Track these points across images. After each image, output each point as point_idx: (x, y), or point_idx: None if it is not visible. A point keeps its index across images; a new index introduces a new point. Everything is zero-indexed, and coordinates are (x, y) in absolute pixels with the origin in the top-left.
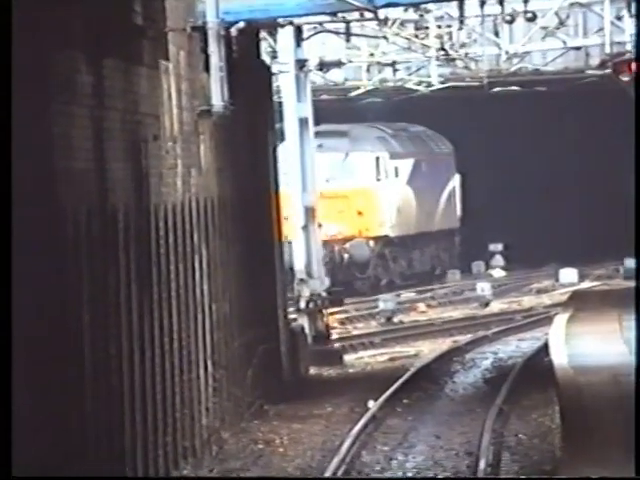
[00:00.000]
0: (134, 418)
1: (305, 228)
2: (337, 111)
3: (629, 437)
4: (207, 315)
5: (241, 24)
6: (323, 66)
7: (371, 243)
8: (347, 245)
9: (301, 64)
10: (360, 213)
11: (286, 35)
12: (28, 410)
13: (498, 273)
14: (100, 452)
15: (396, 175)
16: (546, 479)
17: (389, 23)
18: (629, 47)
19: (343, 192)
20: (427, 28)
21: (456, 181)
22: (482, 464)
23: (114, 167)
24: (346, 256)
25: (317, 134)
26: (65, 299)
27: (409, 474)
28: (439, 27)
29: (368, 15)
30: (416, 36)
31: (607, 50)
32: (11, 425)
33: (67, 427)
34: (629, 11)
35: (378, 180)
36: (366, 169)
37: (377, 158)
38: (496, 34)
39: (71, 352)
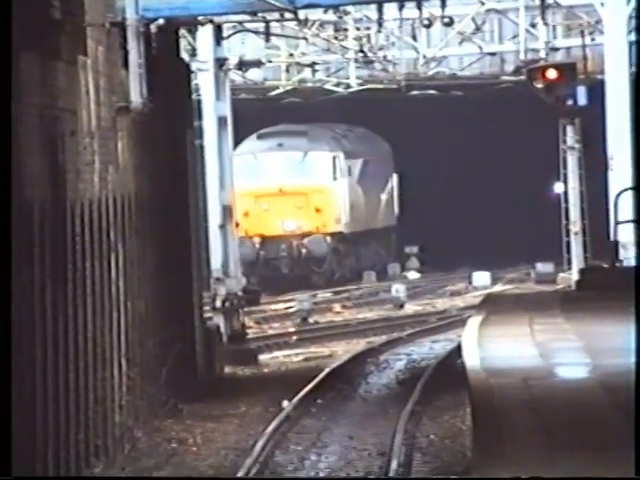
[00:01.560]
0: (46, 415)
1: (222, 227)
2: (256, 110)
3: (539, 440)
4: (122, 313)
5: (161, 21)
6: (242, 65)
7: (328, 239)
8: (305, 240)
9: (220, 63)
10: (318, 210)
11: (206, 33)
12: None
13: (413, 275)
14: (11, 448)
15: (349, 174)
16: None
17: (309, 24)
18: (543, 54)
19: (302, 189)
20: (346, 30)
21: (394, 180)
22: (394, 465)
23: (30, 162)
24: (304, 251)
25: (277, 133)
26: None
27: (321, 474)
28: (358, 29)
29: (288, 15)
30: (335, 38)
31: (522, 56)
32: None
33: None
34: (543, 19)
35: (335, 179)
36: (324, 168)
37: (334, 157)
38: (414, 38)
39: None
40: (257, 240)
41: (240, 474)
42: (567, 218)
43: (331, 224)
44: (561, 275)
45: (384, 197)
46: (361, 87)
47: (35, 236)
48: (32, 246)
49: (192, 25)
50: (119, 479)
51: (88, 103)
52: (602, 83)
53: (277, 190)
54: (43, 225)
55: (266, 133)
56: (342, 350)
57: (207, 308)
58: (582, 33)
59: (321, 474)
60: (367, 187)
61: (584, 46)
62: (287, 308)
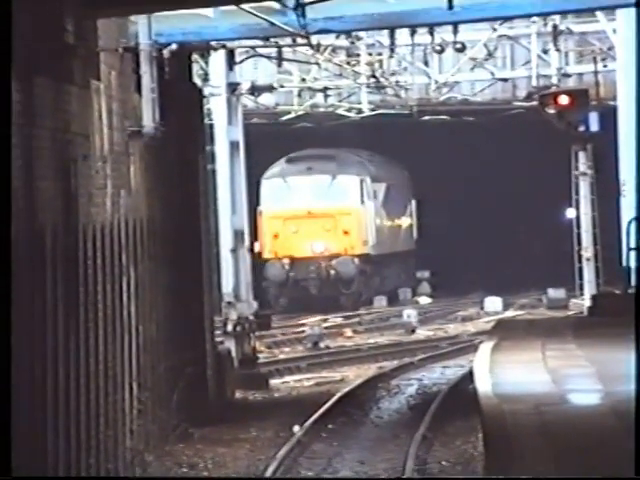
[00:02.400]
0: (58, 439)
1: (234, 251)
2: (268, 135)
3: (551, 466)
4: (134, 337)
5: (173, 46)
6: (255, 90)
7: (356, 260)
8: (334, 262)
9: (233, 87)
10: (346, 232)
11: (218, 58)
12: None
13: (424, 300)
14: (23, 471)
15: (375, 197)
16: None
17: (321, 49)
18: (555, 80)
19: (331, 212)
20: (358, 55)
21: (413, 205)
22: None
23: (43, 186)
24: (332, 272)
25: (305, 157)
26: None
27: None
28: (370, 55)
29: (301, 41)
30: (347, 63)
31: (534, 82)
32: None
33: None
34: (555, 45)
35: (362, 202)
36: (352, 191)
37: (361, 181)
38: (426, 63)
39: None
40: (286, 262)
41: None
42: (579, 244)
43: (359, 246)
44: (573, 301)
45: (404, 221)
46: (373, 112)
47: (47, 260)
48: (44, 270)
49: (205, 50)
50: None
51: (101, 127)
52: (614, 109)
53: (306, 212)
54: (55, 249)
55: (295, 157)
56: (353, 375)
57: (218, 332)
58: (594, 59)
59: None
60: (390, 211)
61: (596, 72)
62: (298, 332)
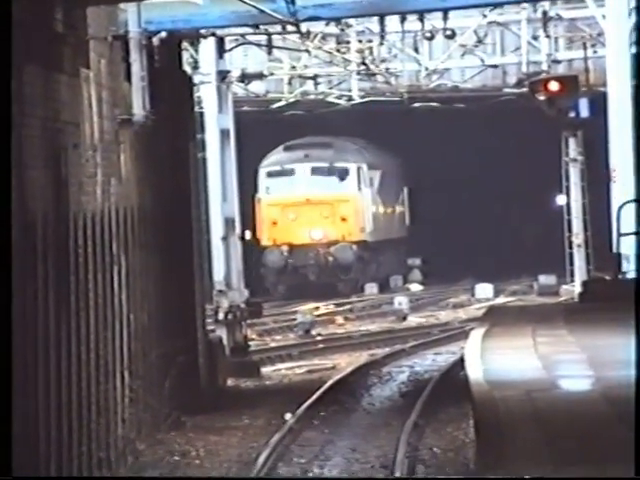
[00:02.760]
0: (49, 428)
1: (225, 239)
2: (259, 123)
3: (542, 452)
4: (125, 325)
5: (163, 34)
6: (245, 78)
7: (354, 247)
8: (332, 249)
9: (223, 75)
10: (344, 219)
11: (208, 46)
12: None
13: (415, 287)
14: (13, 461)
15: (371, 185)
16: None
17: (311, 36)
18: (545, 66)
19: (328, 199)
20: (348, 42)
21: (405, 192)
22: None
23: (33, 175)
24: (331, 259)
25: (303, 145)
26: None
27: None
28: (360, 42)
29: (290, 28)
30: (338, 50)
31: (524, 69)
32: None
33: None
34: (545, 31)
35: (359, 189)
36: (350, 178)
37: (358, 168)
38: (416, 50)
39: None
40: (285, 248)
41: None
42: (570, 230)
43: (356, 233)
44: (564, 287)
45: (398, 208)
46: (363, 99)
47: (38, 249)
48: (35, 259)
49: (194, 38)
50: (119, 479)
51: (91, 116)
52: (604, 95)
53: (304, 200)
54: (46, 238)
55: (293, 145)
56: (345, 362)
57: (210, 320)
58: (584, 45)
59: None
60: (384, 198)
61: (586, 58)
62: (290, 320)
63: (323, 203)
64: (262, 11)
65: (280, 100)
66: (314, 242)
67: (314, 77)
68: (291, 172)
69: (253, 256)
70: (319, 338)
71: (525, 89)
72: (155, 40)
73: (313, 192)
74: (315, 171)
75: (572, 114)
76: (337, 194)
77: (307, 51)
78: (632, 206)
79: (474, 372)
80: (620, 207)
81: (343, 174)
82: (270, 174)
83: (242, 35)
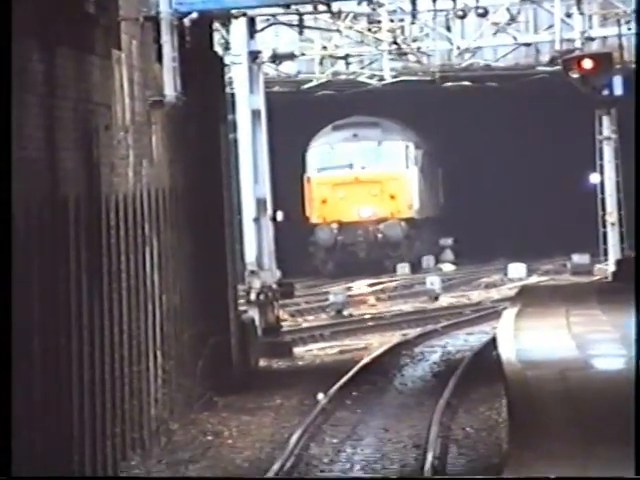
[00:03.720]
0: (83, 409)
1: (257, 220)
2: (290, 103)
3: (575, 432)
4: (157, 306)
5: (194, 15)
6: (276, 58)
7: (403, 224)
8: (381, 226)
9: (254, 56)
10: (392, 197)
11: (239, 27)
12: None
13: (447, 267)
14: (48, 442)
15: (416, 163)
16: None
17: (342, 16)
18: (578, 44)
19: (377, 177)
20: (380, 22)
21: (439, 171)
22: (429, 457)
23: (65, 156)
24: (380, 236)
25: (351, 124)
26: (14, 289)
27: (357, 466)
28: (392, 21)
29: (322, 8)
30: (369, 30)
31: (557, 47)
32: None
33: (15, 416)
34: (579, 8)
35: (407, 167)
36: (398, 156)
37: (407, 147)
38: (448, 29)
39: (20, 342)
40: (335, 226)
41: (276, 466)
42: (603, 209)
43: (405, 210)
44: (597, 266)
45: (435, 187)
46: (395, 79)
47: (70, 230)
48: (67, 240)
49: (226, 18)
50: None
51: (122, 97)
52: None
53: (353, 178)
54: (78, 219)
55: (341, 124)
56: (377, 342)
57: (242, 301)
58: (618, 22)
59: (356, 466)
60: (426, 177)
61: (620, 35)
62: (322, 301)
63: (372, 181)
64: None
65: (311, 80)
66: (363, 220)
67: (345, 57)
68: (340, 151)
69: (303, 234)
70: (351, 319)
71: (558, 67)
72: (186, 21)
73: (362, 171)
74: (363, 150)
75: (606, 92)
76: (386, 172)
77: (338, 31)
78: None
79: (507, 352)
80: None
81: (391, 152)
82: (319, 153)
83: (273, 15)
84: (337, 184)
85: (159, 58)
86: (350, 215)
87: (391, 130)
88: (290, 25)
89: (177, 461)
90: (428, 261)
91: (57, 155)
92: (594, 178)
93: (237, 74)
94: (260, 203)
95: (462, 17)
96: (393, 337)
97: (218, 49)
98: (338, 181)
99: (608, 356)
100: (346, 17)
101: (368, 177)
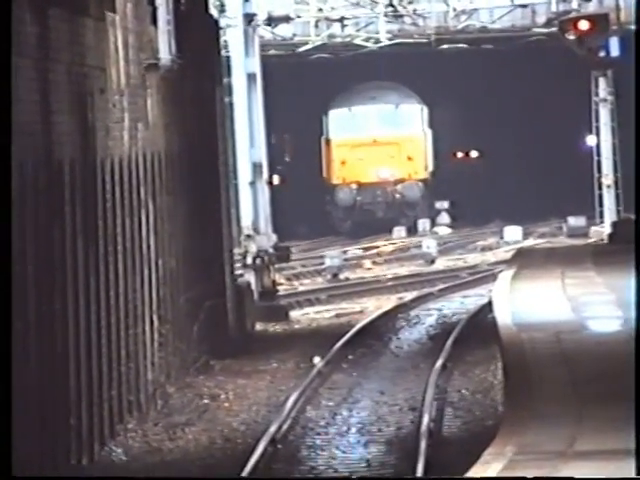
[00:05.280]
0: (79, 372)
1: (253, 184)
2: (286, 67)
3: (570, 393)
4: (153, 270)
5: None
6: (271, 21)
7: (420, 184)
8: (399, 186)
9: (249, 19)
10: (410, 158)
11: None
12: None
13: (444, 230)
14: (44, 403)
15: (429, 125)
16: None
17: None
18: (575, 5)
19: (395, 139)
20: None
21: (430, 134)
22: (425, 419)
23: (60, 120)
24: (398, 196)
25: (369, 88)
26: (9, 252)
27: (353, 429)
28: None
29: None
30: None
31: (553, 8)
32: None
33: (11, 377)
34: None
35: (423, 129)
36: (414, 119)
37: (422, 109)
38: None
39: (15, 305)
40: (354, 187)
41: (272, 429)
42: (599, 171)
43: (421, 171)
44: (593, 229)
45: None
46: (391, 42)
47: (66, 194)
48: (63, 204)
49: None
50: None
51: (117, 60)
52: (636, 33)
53: (371, 140)
54: (73, 183)
55: (359, 88)
56: (373, 306)
57: (238, 265)
58: None
59: (352, 429)
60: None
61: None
62: (318, 265)
63: (390, 143)
64: None
65: (307, 43)
66: (382, 180)
67: (341, 19)
68: (358, 114)
69: (319, 194)
70: (347, 282)
71: (555, 29)
72: None
73: (380, 133)
74: (381, 112)
75: (602, 53)
76: (403, 134)
77: None
78: None
79: (502, 315)
80: None
81: (408, 115)
82: (338, 116)
83: None
84: (356, 146)
85: (154, 21)
86: (369, 176)
87: (407, 93)
88: None
89: (173, 424)
90: (424, 224)
91: (51, 119)
92: (590, 140)
93: (232, 37)
94: (256, 167)
95: None
96: (389, 301)
97: (213, 12)
98: (357, 143)
99: (603, 318)
100: None
101: (386, 139)
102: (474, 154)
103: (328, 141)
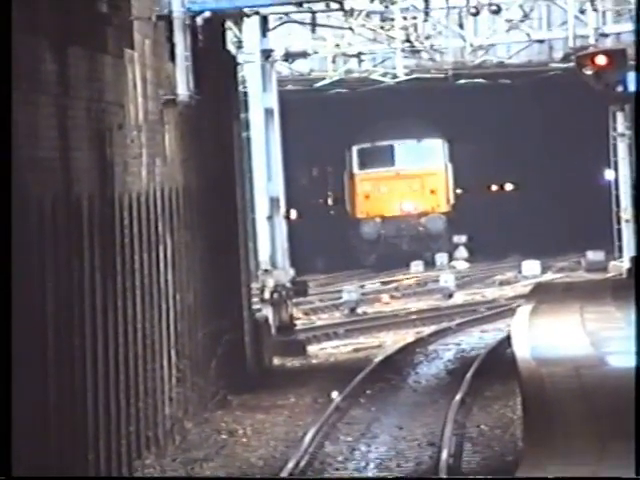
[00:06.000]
0: (97, 407)
1: (270, 218)
2: (303, 102)
3: (590, 429)
4: (171, 305)
5: (207, 13)
6: (289, 56)
7: (443, 217)
8: (423, 219)
9: (267, 54)
10: (432, 191)
11: (252, 25)
12: None
13: (461, 265)
14: (63, 441)
15: (450, 160)
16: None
17: (355, 14)
18: (592, 40)
19: (418, 173)
20: (393, 19)
21: (450, 168)
22: (444, 454)
23: (79, 156)
24: (421, 229)
25: (391, 123)
26: (28, 288)
27: (372, 465)
28: (404, 19)
29: (334, 6)
30: (382, 27)
31: (570, 43)
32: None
33: (30, 416)
34: (592, 5)
35: (444, 163)
36: (436, 153)
37: (443, 143)
38: (461, 26)
39: (34, 341)
40: (378, 220)
41: (290, 465)
42: (618, 205)
43: (443, 204)
44: (612, 263)
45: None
46: (408, 77)
47: (84, 229)
48: (81, 239)
49: (238, 17)
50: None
51: (135, 96)
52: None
53: (395, 174)
54: (92, 218)
55: (382, 123)
56: (391, 340)
57: (255, 300)
58: (632, 18)
59: (371, 464)
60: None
61: (635, 31)
62: (335, 299)
63: (413, 177)
64: None
65: (324, 78)
66: (405, 214)
67: (358, 55)
68: (382, 149)
69: (343, 229)
70: (365, 316)
71: (572, 64)
72: (199, 20)
73: (403, 166)
74: (405, 147)
75: (620, 88)
76: (426, 168)
77: (351, 29)
78: None
79: (521, 349)
80: None
81: (431, 149)
82: (362, 151)
83: (286, 14)
84: (379, 179)
85: (172, 57)
86: (392, 209)
87: (428, 128)
88: (302, 23)
89: (191, 459)
90: (442, 258)
91: (70, 155)
92: (608, 174)
93: (250, 72)
94: (273, 201)
95: (475, 14)
96: (407, 335)
97: (231, 48)
98: (380, 177)
99: (622, 353)
100: (359, 15)
101: (409, 173)
102: (494, 188)
103: (352, 175)
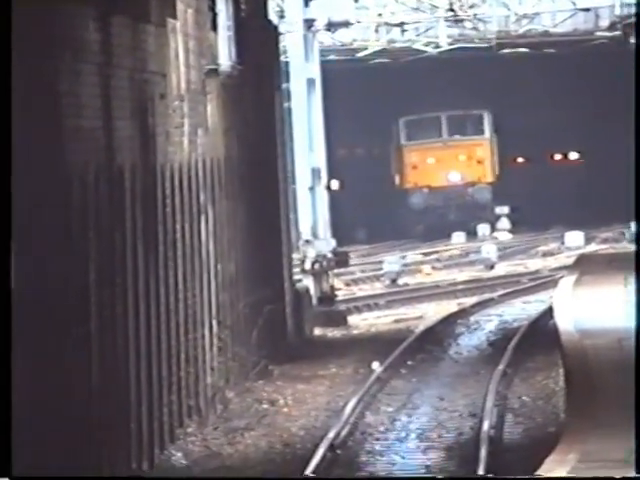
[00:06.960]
0: (139, 376)
1: (312, 189)
2: (345, 72)
3: (632, 400)
4: (213, 275)
5: None
6: (331, 26)
7: (490, 187)
8: (470, 190)
9: (309, 24)
10: (479, 162)
11: None
12: (30, 367)
13: (504, 236)
14: (106, 408)
15: (495, 130)
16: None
17: None
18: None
19: (465, 143)
20: None
21: (495, 138)
22: (485, 426)
23: (121, 126)
24: (468, 199)
25: (438, 95)
26: (72, 257)
27: (412, 435)
28: None
29: None
30: None
31: (617, 11)
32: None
33: (74, 382)
34: None
35: (490, 134)
36: (483, 123)
37: (488, 114)
38: None
39: (78, 311)
40: (426, 191)
41: (331, 434)
42: None
43: (490, 175)
44: None
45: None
46: (451, 46)
47: (126, 200)
48: (123, 209)
49: None
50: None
51: (177, 66)
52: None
53: (442, 145)
54: (134, 189)
55: (429, 96)
56: (432, 312)
57: (296, 270)
58: None
59: (412, 435)
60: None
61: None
62: (377, 270)
63: (460, 147)
64: None
65: (366, 48)
66: (452, 184)
67: (401, 24)
68: (429, 120)
69: (392, 199)
70: (406, 288)
71: (618, 32)
72: None
73: (450, 137)
74: (452, 118)
75: None
76: (473, 139)
77: None
78: None
79: (564, 321)
80: None
81: (478, 120)
82: (409, 123)
83: None
84: (427, 150)
85: (214, 27)
86: (440, 180)
87: (474, 99)
88: None
89: (233, 429)
90: (484, 229)
91: (113, 124)
92: None
93: (292, 42)
94: (315, 172)
95: None
96: (449, 306)
97: (273, 17)
98: (427, 148)
99: None
100: None
101: (456, 143)
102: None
103: (399, 147)
